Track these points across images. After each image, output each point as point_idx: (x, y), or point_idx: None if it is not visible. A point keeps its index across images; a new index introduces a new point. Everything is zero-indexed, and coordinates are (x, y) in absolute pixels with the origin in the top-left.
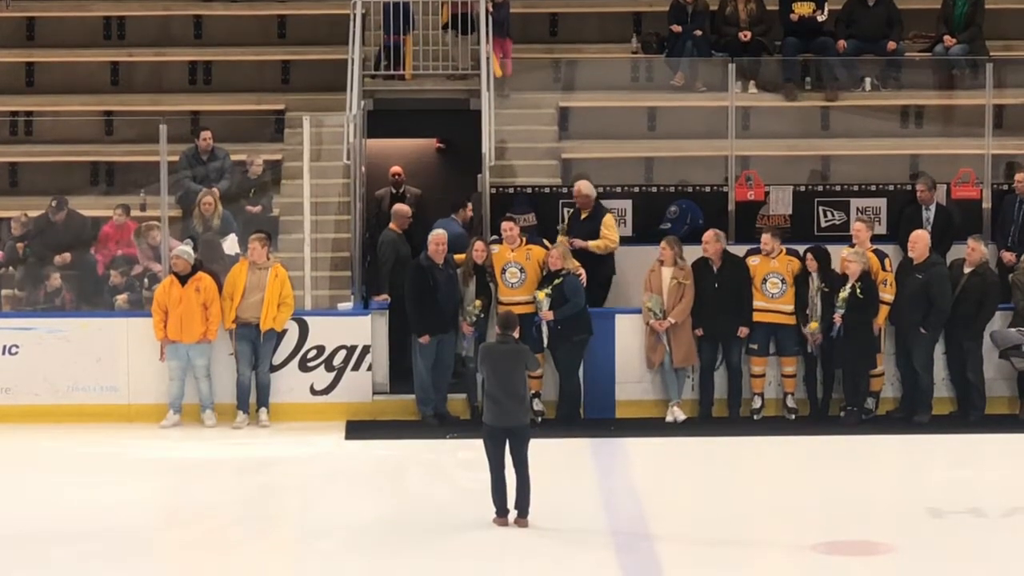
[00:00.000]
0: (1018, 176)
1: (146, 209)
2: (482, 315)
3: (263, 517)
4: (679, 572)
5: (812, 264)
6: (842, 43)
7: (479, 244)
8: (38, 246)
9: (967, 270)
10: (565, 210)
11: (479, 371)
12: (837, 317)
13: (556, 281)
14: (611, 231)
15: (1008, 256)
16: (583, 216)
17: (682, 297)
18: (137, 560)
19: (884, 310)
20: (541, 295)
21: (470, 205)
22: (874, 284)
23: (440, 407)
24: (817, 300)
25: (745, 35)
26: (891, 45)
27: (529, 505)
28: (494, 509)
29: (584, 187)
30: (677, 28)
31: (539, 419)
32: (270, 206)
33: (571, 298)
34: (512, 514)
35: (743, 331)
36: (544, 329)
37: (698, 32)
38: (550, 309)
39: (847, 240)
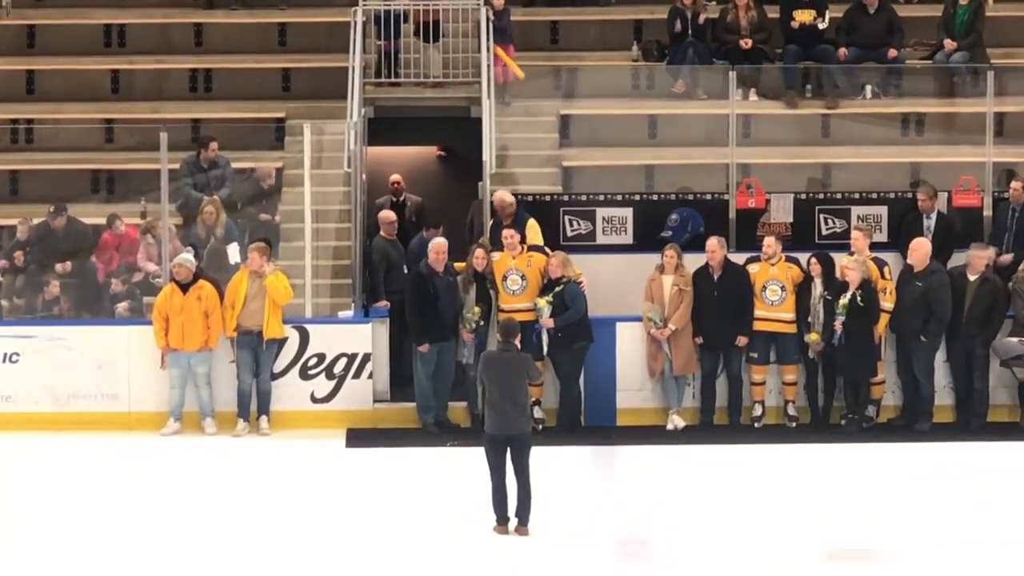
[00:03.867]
0: (1013, 184)
1: (147, 217)
2: (481, 322)
3: (263, 525)
4: None
5: (816, 269)
6: (843, 51)
7: (479, 251)
8: (38, 253)
9: (973, 278)
10: (566, 218)
11: (480, 380)
12: (838, 324)
13: (557, 289)
14: (534, 234)
15: (1005, 258)
16: (505, 224)
17: (682, 303)
18: (137, 567)
19: (884, 318)
20: (542, 303)
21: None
22: (875, 292)
23: (441, 415)
24: (819, 308)
25: (746, 43)
26: (892, 52)
27: (530, 513)
28: (494, 517)
29: (499, 197)
30: (679, 27)
31: (540, 427)
32: (272, 214)
33: (571, 305)
34: (512, 522)
35: (742, 340)
36: (544, 336)
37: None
38: (551, 317)
39: (848, 248)
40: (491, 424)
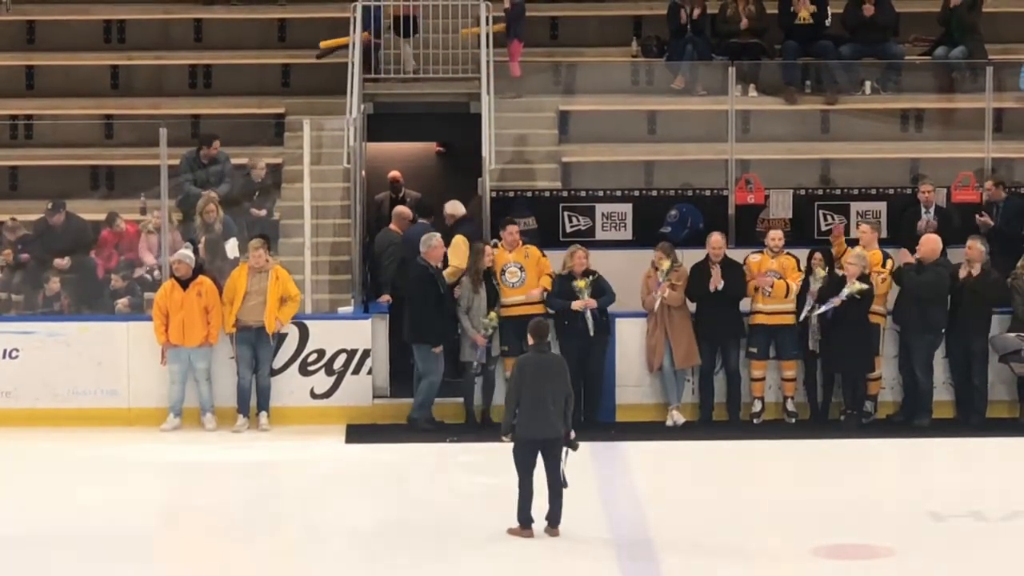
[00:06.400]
0: (987, 184)
1: (146, 213)
2: (496, 326)
3: (263, 521)
4: None
5: (819, 263)
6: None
7: (487, 248)
8: (37, 250)
9: (973, 272)
10: (565, 214)
11: (520, 385)
12: (837, 300)
13: (592, 277)
14: (458, 254)
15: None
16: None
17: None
18: (137, 563)
19: (878, 299)
20: (581, 283)
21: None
22: (873, 284)
23: (428, 412)
24: (816, 287)
25: (745, 24)
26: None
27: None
28: (519, 522)
29: (449, 209)
30: (684, 18)
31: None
32: (271, 210)
33: (607, 291)
34: (542, 524)
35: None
36: (589, 317)
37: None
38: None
39: (847, 244)
40: (527, 429)
